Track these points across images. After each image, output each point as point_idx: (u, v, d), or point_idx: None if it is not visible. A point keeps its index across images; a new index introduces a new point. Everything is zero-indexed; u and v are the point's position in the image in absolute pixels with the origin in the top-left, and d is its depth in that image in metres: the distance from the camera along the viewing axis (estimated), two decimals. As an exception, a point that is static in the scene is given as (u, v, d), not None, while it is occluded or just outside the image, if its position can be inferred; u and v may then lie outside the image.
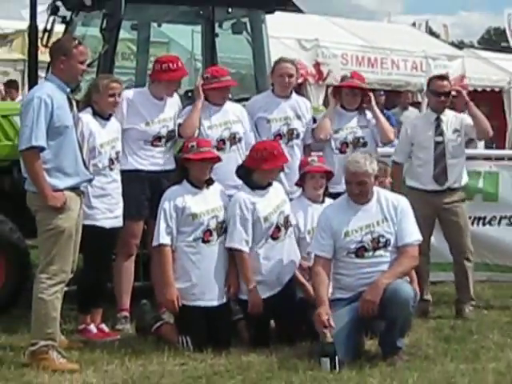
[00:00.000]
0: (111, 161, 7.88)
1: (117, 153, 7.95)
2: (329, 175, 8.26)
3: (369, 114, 8.94)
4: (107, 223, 7.85)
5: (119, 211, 7.96)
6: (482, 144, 15.32)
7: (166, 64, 8.26)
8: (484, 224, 9.76)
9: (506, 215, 9.74)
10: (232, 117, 8.39)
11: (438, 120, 9.03)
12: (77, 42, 7.32)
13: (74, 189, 7.10)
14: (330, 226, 7.43)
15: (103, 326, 8.08)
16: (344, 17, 25.49)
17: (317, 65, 18.71)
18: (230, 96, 8.54)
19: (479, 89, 21.39)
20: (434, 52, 21.49)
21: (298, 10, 24.61)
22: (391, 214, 7.39)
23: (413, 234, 7.45)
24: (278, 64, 8.72)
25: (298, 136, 8.66)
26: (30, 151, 6.83)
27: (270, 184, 7.81)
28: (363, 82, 9.17)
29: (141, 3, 9.15)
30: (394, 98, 18.08)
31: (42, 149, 6.83)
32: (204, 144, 7.73)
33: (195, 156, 7.57)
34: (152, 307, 8.16)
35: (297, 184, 8.35)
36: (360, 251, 7.33)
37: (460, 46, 32.75)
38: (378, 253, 7.34)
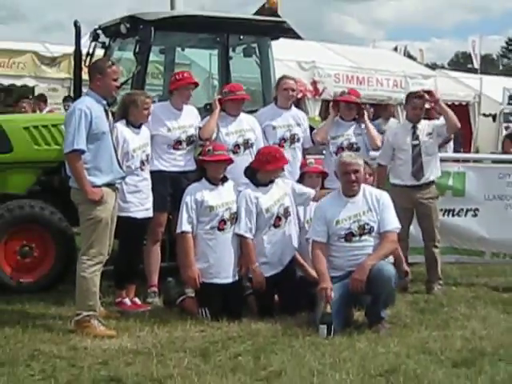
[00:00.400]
0: (142, 162, 7.88)
1: (147, 155, 7.94)
2: (324, 175, 8.28)
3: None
4: (139, 214, 7.85)
5: (149, 204, 7.96)
6: (451, 149, 15.32)
7: (173, 76, 8.38)
8: (453, 215, 9.74)
9: (471, 208, 9.72)
10: (246, 126, 8.39)
11: (414, 128, 9.05)
12: (110, 62, 7.39)
13: (110, 185, 7.15)
14: (324, 216, 7.46)
15: (136, 299, 8.08)
16: (336, 43, 25.42)
17: (314, 83, 18.69)
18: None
19: (449, 103, 21.17)
20: (412, 72, 21.46)
21: (298, 37, 24.57)
22: (375, 205, 7.43)
23: (393, 222, 7.47)
24: (282, 80, 8.76)
25: (298, 140, 8.67)
26: (73, 154, 6.90)
27: (272, 181, 7.83)
28: (359, 97, 9.19)
29: (167, 31, 9.13)
30: (378, 111, 18.06)
31: (82, 151, 6.88)
32: (219, 148, 7.78)
33: (211, 158, 7.64)
34: (176, 284, 8.17)
35: (298, 181, 8.37)
36: (348, 236, 7.37)
37: (433, 67, 32.61)
38: (363, 238, 7.37)
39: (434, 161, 9.12)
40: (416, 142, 8.98)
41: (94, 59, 9.50)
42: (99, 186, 7.00)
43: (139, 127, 7.94)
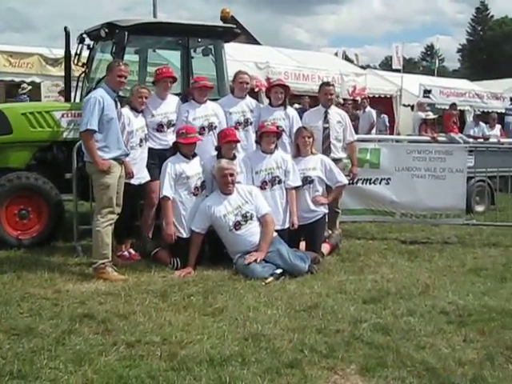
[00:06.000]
0: (141, 140, 7.80)
1: (145, 135, 7.87)
2: (278, 135, 8.16)
3: (289, 109, 8.75)
4: (133, 181, 7.67)
5: (143, 174, 7.84)
6: (373, 131, 15.29)
7: (156, 71, 8.24)
8: (370, 183, 9.72)
9: (384, 177, 9.70)
10: (210, 111, 8.24)
11: (326, 113, 8.94)
12: (118, 63, 7.38)
13: (116, 159, 7.12)
14: (209, 214, 7.46)
15: (131, 250, 8.00)
16: (287, 48, 25.18)
17: (268, 79, 18.47)
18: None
19: (377, 95, 21.43)
20: (346, 71, 21.42)
21: (257, 43, 24.32)
22: (248, 197, 7.54)
23: (265, 207, 7.59)
24: (238, 75, 8.57)
25: (251, 123, 8.48)
26: (87, 132, 6.94)
27: (234, 157, 7.83)
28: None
29: (139, 35, 8.87)
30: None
31: (94, 131, 6.91)
32: (191, 131, 7.77)
33: (185, 140, 7.66)
34: (152, 239, 8.11)
35: (256, 142, 8.27)
36: (237, 226, 7.41)
37: (366, 68, 32.32)
38: (248, 222, 7.44)
39: (340, 145, 8.98)
40: (326, 125, 8.86)
41: (81, 59, 9.38)
42: (107, 160, 6.99)
43: (139, 112, 7.86)
